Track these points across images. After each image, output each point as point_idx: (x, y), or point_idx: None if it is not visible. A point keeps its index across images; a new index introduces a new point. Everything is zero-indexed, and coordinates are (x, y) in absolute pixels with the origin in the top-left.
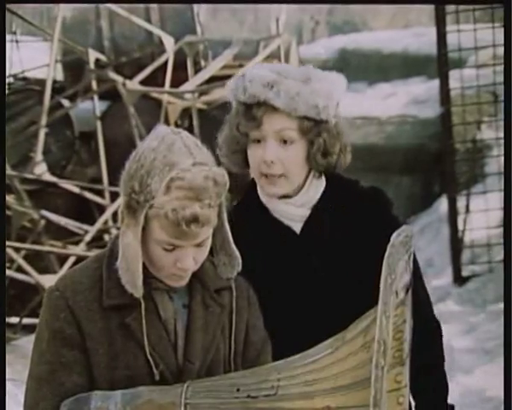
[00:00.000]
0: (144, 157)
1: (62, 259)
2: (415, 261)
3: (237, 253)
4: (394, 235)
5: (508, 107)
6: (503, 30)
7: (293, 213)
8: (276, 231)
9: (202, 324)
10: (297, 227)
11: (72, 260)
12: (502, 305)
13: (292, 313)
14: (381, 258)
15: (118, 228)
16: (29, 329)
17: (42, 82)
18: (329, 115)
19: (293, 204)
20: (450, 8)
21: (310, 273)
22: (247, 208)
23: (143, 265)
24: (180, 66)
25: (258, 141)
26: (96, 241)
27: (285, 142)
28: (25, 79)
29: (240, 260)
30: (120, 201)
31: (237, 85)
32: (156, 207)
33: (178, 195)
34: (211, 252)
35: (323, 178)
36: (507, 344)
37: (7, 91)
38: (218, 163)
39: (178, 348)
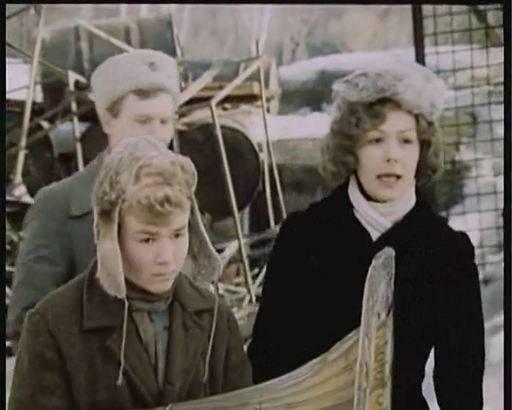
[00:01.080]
0: (111, 161)
1: None
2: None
3: (216, 254)
4: (376, 257)
5: (508, 107)
6: (481, 52)
7: (376, 219)
8: (353, 231)
9: (182, 346)
10: (374, 235)
11: None
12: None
13: (339, 313)
14: (450, 302)
15: None
16: (9, 351)
17: (21, 104)
18: (436, 117)
19: (377, 210)
20: (428, 29)
21: None
22: (333, 204)
23: (126, 284)
24: None
25: (377, 141)
26: None
27: (405, 141)
28: None
29: (220, 263)
30: (94, 216)
31: (354, 85)
32: (128, 200)
33: (148, 181)
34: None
35: (414, 195)
36: (507, 351)
37: None
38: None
39: (159, 371)
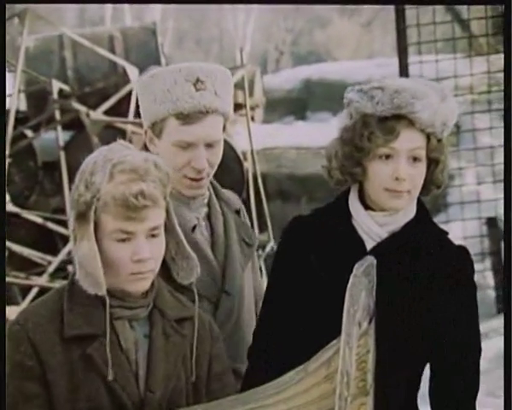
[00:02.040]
0: (86, 165)
1: (25, 290)
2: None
3: (193, 255)
4: (357, 265)
5: (508, 108)
6: (465, 61)
7: (372, 228)
8: (349, 239)
9: (163, 353)
10: (369, 244)
11: (35, 290)
12: None
13: (332, 321)
14: (446, 316)
15: None
16: None
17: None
18: (446, 134)
19: (374, 219)
20: (411, 38)
21: None
22: (333, 211)
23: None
24: None
25: (387, 157)
26: (60, 272)
27: (414, 159)
28: None
29: (197, 262)
30: (70, 221)
31: (370, 97)
32: (103, 198)
33: (122, 179)
34: (170, 276)
35: (414, 207)
36: (507, 349)
37: None
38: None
39: (140, 378)
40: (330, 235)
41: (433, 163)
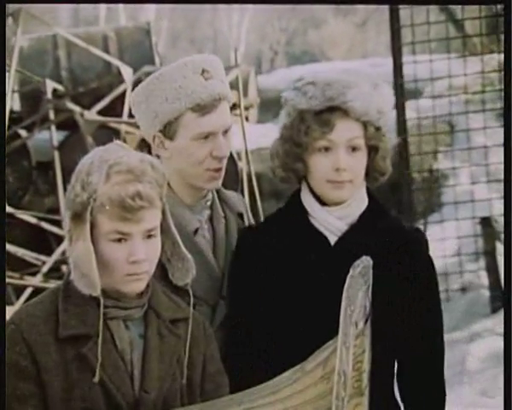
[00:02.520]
0: (82, 165)
1: (19, 290)
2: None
3: (189, 256)
4: (353, 266)
5: (508, 108)
6: (459, 61)
7: (332, 223)
8: (311, 237)
9: (158, 354)
10: (332, 239)
11: (29, 291)
12: (459, 333)
13: (308, 321)
14: (409, 294)
15: None
16: None
17: None
18: (385, 122)
19: (332, 214)
20: (406, 38)
21: (335, 287)
22: (288, 213)
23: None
24: None
25: (326, 149)
26: (54, 272)
27: (353, 149)
28: None
29: (193, 264)
30: (65, 221)
31: (303, 93)
32: (100, 199)
33: (118, 179)
34: (166, 277)
35: (366, 197)
36: (507, 349)
37: None
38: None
39: (135, 379)
40: (289, 237)
41: (372, 151)
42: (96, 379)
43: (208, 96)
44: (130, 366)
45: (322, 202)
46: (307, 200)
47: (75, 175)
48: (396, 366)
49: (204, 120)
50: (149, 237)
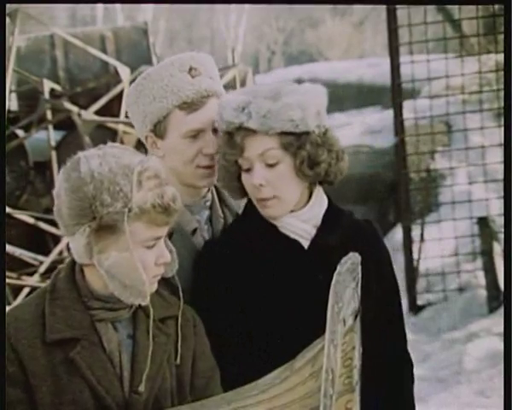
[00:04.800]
0: (98, 173)
1: (17, 290)
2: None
3: (172, 247)
4: (341, 262)
5: (508, 109)
6: (456, 61)
7: (299, 226)
8: (281, 243)
9: (148, 354)
10: (304, 242)
11: (26, 291)
12: (456, 333)
13: (294, 326)
14: (376, 279)
15: None
16: None
17: None
18: (309, 126)
19: (298, 218)
20: (403, 38)
21: (315, 289)
22: (249, 222)
23: (88, 293)
24: None
25: (248, 170)
26: (51, 272)
27: (271, 164)
28: None
29: (175, 255)
30: (80, 235)
31: (217, 116)
32: (138, 206)
33: (150, 185)
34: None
35: (325, 198)
36: (507, 349)
37: None
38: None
39: (124, 380)
40: (258, 245)
41: (298, 156)
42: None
43: (195, 92)
44: (120, 367)
45: None
46: None
47: (85, 185)
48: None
49: (192, 118)
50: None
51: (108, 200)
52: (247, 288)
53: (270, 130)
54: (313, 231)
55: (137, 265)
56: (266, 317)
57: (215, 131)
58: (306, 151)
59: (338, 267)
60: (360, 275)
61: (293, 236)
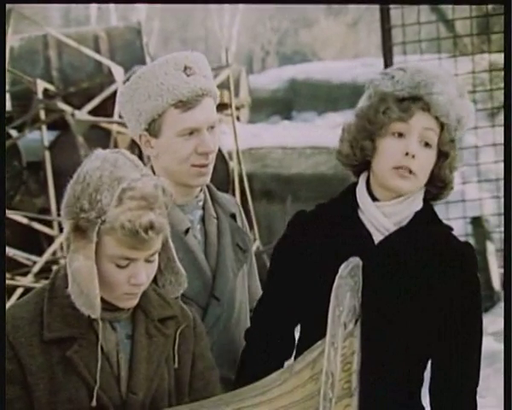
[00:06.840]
0: (89, 176)
1: (10, 290)
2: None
3: (183, 270)
4: (342, 266)
5: (508, 110)
6: (449, 61)
7: (380, 220)
8: (356, 232)
9: (146, 354)
10: (377, 237)
11: (19, 291)
12: None
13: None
14: (450, 313)
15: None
16: None
17: None
18: (459, 135)
19: (382, 211)
20: (397, 39)
21: (370, 286)
22: (339, 204)
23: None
24: None
25: (399, 135)
26: (44, 272)
27: (426, 144)
28: None
29: (185, 278)
30: (65, 227)
31: (390, 77)
32: (109, 222)
33: (131, 205)
34: (154, 278)
35: (421, 201)
36: (507, 349)
37: None
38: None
39: (122, 380)
40: (336, 229)
41: (442, 157)
42: (94, 403)
43: (190, 91)
44: (117, 367)
45: (375, 199)
46: (361, 194)
47: (80, 183)
48: (431, 376)
49: (187, 116)
50: (151, 259)
51: (86, 206)
52: (313, 267)
53: (443, 116)
54: (392, 228)
55: (95, 276)
56: (317, 299)
57: (211, 128)
58: (455, 155)
59: (340, 270)
60: (361, 280)
61: (369, 227)
